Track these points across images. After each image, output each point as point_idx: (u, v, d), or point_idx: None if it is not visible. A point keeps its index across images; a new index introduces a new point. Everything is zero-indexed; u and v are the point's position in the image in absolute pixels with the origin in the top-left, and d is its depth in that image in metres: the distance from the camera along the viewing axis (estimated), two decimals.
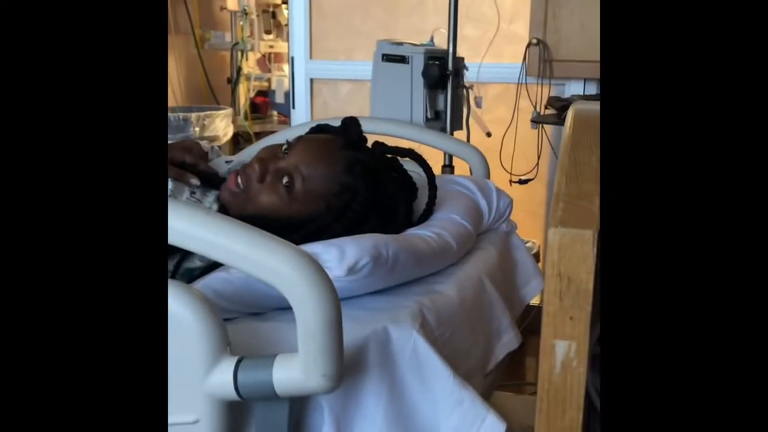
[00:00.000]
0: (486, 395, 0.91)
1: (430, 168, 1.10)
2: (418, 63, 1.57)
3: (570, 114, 1.05)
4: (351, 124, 1.01)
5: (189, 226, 0.66)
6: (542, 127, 2.23)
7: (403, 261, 0.83)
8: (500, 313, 0.98)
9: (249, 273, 0.66)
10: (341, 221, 0.90)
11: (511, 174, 2.22)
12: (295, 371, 0.66)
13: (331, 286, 0.65)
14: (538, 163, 2.27)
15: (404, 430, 0.75)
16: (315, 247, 0.80)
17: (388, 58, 1.64)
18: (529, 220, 2.38)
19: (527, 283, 1.16)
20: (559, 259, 0.69)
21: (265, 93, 3.86)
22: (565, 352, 0.69)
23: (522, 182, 2.15)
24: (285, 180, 0.93)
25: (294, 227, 0.89)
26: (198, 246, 0.67)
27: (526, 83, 2.20)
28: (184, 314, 0.67)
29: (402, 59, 1.61)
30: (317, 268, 0.65)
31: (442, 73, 1.56)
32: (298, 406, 0.72)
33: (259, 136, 3.42)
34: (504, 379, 1.61)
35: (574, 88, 2.28)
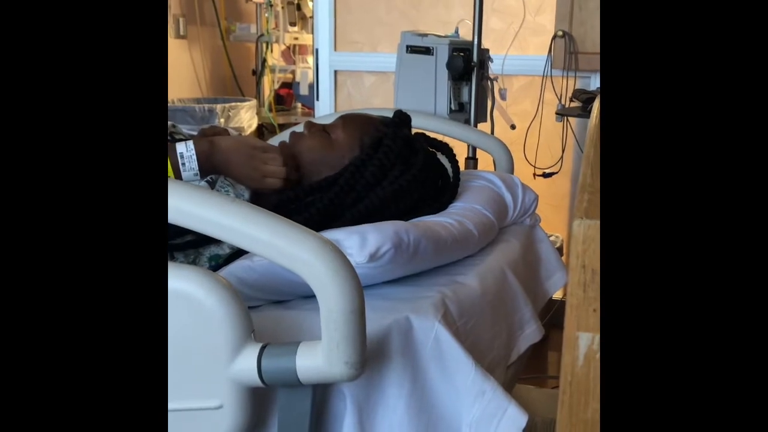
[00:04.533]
0: (508, 387, 0.91)
1: (457, 161, 1.11)
2: (443, 54, 1.57)
3: (596, 106, 1.04)
4: (397, 113, 1.11)
5: (214, 213, 0.67)
6: (567, 120, 2.21)
7: (424, 247, 0.83)
8: (522, 305, 0.97)
9: (272, 260, 0.67)
10: (370, 166, 0.96)
11: (535, 167, 2.20)
12: (318, 359, 0.66)
13: (354, 274, 0.65)
14: (562, 157, 2.24)
15: (426, 420, 0.75)
16: (337, 234, 0.81)
17: (412, 49, 1.63)
18: (552, 213, 2.37)
19: (551, 276, 1.15)
20: (584, 250, 0.68)
21: (290, 85, 3.87)
22: (588, 344, 0.69)
23: (546, 176, 2.13)
24: (325, 129, 1.06)
25: (331, 182, 0.98)
26: (223, 233, 0.68)
27: (551, 76, 2.18)
28: (208, 300, 0.68)
29: (426, 51, 1.60)
30: (339, 255, 0.65)
31: (467, 65, 1.55)
32: (321, 393, 0.73)
33: (283, 127, 3.44)
34: (526, 372, 1.61)
35: (599, 81, 2.25)
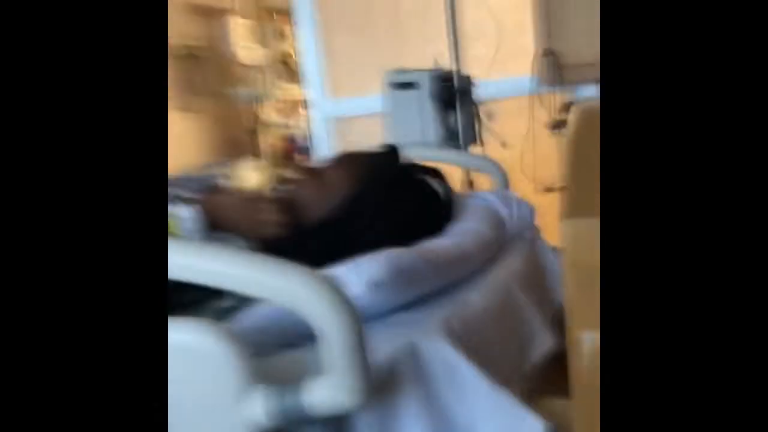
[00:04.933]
0: (526, 400, 0.90)
1: (448, 184, 1.13)
2: (426, 86, 1.60)
3: (573, 111, 1.06)
4: (386, 145, 1.14)
5: (208, 262, 0.68)
6: (562, 134, 2.22)
7: (422, 271, 0.84)
8: (531, 316, 0.97)
9: (270, 299, 0.68)
10: (366, 200, 0.98)
11: (535, 183, 2.21)
12: (323, 390, 0.66)
13: (351, 306, 0.66)
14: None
15: None
16: (335, 269, 0.82)
17: (397, 85, 1.67)
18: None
19: (558, 284, 1.14)
20: (575, 249, 0.69)
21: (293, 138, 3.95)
22: (592, 343, 0.68)
23: (549, 190, 2.14)
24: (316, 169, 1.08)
25: (327, 221, 0.99)
26: (219, 280, 0.69)
27: (539, 94, 2.20)
28: (208, 349, 0.68)
29: (410, 85, 1.64)
30: (334, 288, 0.66)
31: (451, 93, 1.58)
32: (336, 430, 0.73)
33: None
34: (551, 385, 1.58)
35: (587, 92, 2.27)
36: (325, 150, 2.74)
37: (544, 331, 0.96)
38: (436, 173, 1.13)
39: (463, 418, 0.75)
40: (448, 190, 1.12)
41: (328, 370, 0.66)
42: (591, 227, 0.68)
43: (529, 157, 2.26)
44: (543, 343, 0.95)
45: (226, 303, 0.97)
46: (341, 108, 2.70)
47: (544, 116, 2.24)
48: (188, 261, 0.68)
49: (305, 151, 3.72)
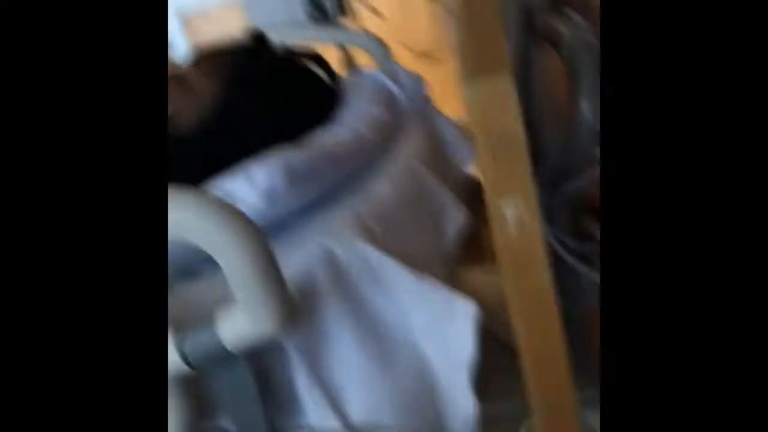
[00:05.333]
0: (449, 280, 0.87)
1: (330, 66, 1.02)
2: None
3: None
4: (252, 35, 1.00)
5: None
6: None
7: (321, 168, 0.76)
8: (439, 192, 0.92)
9: None
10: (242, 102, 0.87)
11: (409, 51, 2.11)
12: (240, 321, 0.59)
13: (251, 224, 0.57)
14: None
15: (378, 344, 0.70)
16: (224, 184, 0.72)
17: None
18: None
19: (457, 152, 1.10)
20: (482, 114, 0.63)
21: None
22: (515, 211, 0.65)
23: (424, 56, 2.06)
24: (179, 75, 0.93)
25: (203, 130, 0.88)
26: None
27: None
28: None
29: None
30: (229, 208, 0.57)
31: None
32: (259, 361, 0.66)
33: None
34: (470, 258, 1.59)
35: None
36: (179, 52, 2.50)
37: (455, 206, 0.92)
38: (313, 56, 1.02)
39: (394, 316, 0.71)
40: (331, 72, 1.02)
41: (242, 298, 0.58)
42: (498, 86, 0.62)
43: (397, 22, 2.15)
44: (455, 218, 0.91)
45: None
46: (189, 2, 2.44)
47: None
48: None
49: None
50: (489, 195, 0.64)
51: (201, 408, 0.67)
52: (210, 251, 0.57)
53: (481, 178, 0.63)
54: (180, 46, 2.49)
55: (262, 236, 0.58)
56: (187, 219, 0.56)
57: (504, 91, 0.61)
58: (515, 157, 0.63)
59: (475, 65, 0.63)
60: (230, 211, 0.57)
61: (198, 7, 2.46)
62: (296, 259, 0.68)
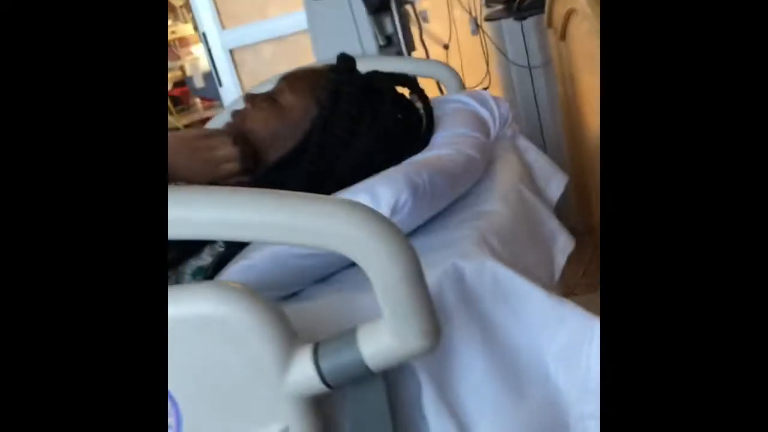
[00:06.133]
0: None
1: (421, 89, 1.01)
2: None
3: None
4: (341, 57, 0.96)
5: (212, 210, 0.54)
6: (482, 32, 2.13)
7: (440, 184, 0.73)
8: (546, 217, 0.89)
9: (300, 244, 0.55)
10: (338, 120, 0.85)
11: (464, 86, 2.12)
12: (386, 338, 0.55)
13: (400, 234, 0.54)
14: (488, 71, 2.17)
15: (508, 367, 0.66)
16: (347, 196, 0.70)
17: None
18: None
19: (549, 182, 1.07)
20: None
21: (182, 82, 3.63)
22: None
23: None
24: (271, 96, 0.93)
25: (300, 150, 0.86)
26: (228, 231, 0.55)
27: None
28: (234, 315, 0.55)
29: None
30: (376, 214, 0.54)
31: None
32: (391, 379, 0.63)
33: (190, 127, 3.23)
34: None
35: None
36: (231, 85, 2.52)
37: (562, 231, 0.89)
38: (406, 80, 1.00)
39: (525, 338, 0.67)
40: (423, 96, 1.00)
41: (388, 312, 0.55)
42: None
43: (453, 61, 2.16)
44: (564, 245, 0.88)
45: (203, 261, 0.84)
46: (241, 36, 2.47)
47: (462, 16, 2.13)
48: (182, 212, 0.54)
49: (206, 92, 3.43)
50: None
51: (327, 429, 0.63)
52: (360, 262, 0.54)
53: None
54: (231, 80, 2.52)
55: (413, 251, 0.55)
56: (337, 227, 0.53)
57: None
58: None
59: None
60: (384, 222, 0.54)
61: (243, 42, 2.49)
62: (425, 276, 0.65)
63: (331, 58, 1.34)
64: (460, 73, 1.35)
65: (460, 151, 0.85)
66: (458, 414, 0.64)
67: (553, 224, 0.89)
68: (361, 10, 1.44)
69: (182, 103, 3.62)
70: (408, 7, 1.51)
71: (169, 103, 3.44)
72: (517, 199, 0.85)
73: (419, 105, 0.99)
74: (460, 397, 0.64)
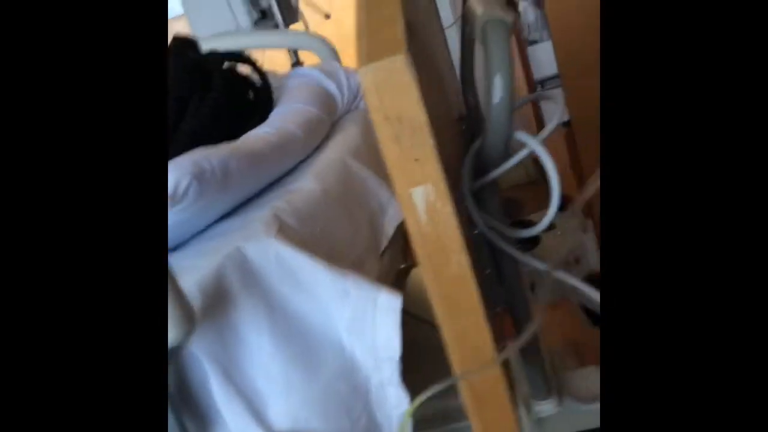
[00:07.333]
0: (388, 274, 0.84)
1: (260, 68, 1.00)
2: None
3: None
4: (174, 39, 0.96)
5: None
6: None
7: (235, 168, 0.73)
8: (377, 188, 0.89)
9: None
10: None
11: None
12: None
13: None
14: None
15: (298, 346, 0.67)
16: None
17: None
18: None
19: None
20: (380, 99, 0.60)
21: None
22: (424, 198, 0.62)
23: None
24: None
25: None
26: None
27: None
28: None
29: None
30: None
31: None
32: (173, 370, 0.64)
33: None
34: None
35: None
36: None
37: (394, 199, 0.89)
38: (242, 58, 0.99)
39: (315, 315, 0.68)
40: (261, 73, 0.99)
41: None
42: (394, 69, 0.59)
43: (349, 26, 2.12)
44: (394, 215, 0.88)
45: None
46: None
47: None
48: None
49: None
50: (396, 182, 0.61)
51: None
52: None
53: (386, 164, 0.61)
54: None
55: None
56: None
57: (400, 73, 0.59)
58: (420, 142, 0.61)
59: (370, 48, 0.60)
60: None
61: None
62: (206, 261, 0.66)
63: (205, 33, 1.32)
64: (343, 45, 1.33)
65: (280, 129, 0.85)
66: (248, 395, 0.65)
67: (385, 195, 0.89)
68: None
69: None
70: None
71: None
72: (338, 174, 0.85)
73: (256, 81, 0.98)
74: (249, 378, 0.65)
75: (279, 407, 0.66)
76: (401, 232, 0.90)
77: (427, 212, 0.62)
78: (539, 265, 0.76)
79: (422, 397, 0.60)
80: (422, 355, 0.75)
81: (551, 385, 0.84)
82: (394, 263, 0.87)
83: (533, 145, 0.69)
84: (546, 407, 0.81)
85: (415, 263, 1.01)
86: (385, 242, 0.86)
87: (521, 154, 0.71)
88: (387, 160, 0.61)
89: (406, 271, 1.24)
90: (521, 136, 0.70)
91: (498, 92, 0.67)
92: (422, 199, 0.61)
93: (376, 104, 0.59)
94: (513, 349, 0.66)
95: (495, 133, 0.70)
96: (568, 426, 0.79)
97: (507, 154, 0.75)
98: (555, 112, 0.86)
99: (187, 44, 0.95)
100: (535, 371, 0.85)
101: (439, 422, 0.88)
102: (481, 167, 0.76)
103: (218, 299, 0.65)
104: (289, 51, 1.51)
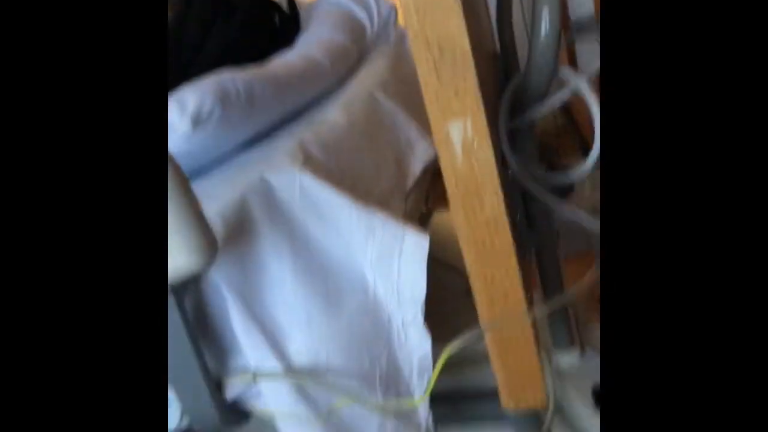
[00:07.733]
0: (412, 215, 0.82)
1: None
2: None
3: None
4: None
5: None
6: None
7: (260, 92, 0.70)
8: (405, 124, 0.86)
9: None
10: (188, 27, 0.81)
11: None
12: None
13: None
14: None
15: (321, 280, 0.65)
16: None
17: None
18: None
19: None
20: (421, 23, 0.56)
21: None
22: (461, 133, 0.58)
23: None
24: None
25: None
26: None
27: None
28: None
29: None
30: None
31: None
32: (194, 300, 0.62)
33: None
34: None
35: None
36: None
37: (423, 139, 0.86)
38: None
39: (337, 249, 0.66)
40: None
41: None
42: None
43: None
44: (423, 153, 0.85)
45: None
46: None
47: None
48: None
49: None
50: (432, 116, 0.57)
51: None
52: None
53: (423, 95, 0.57)
54: None
55: (177, 169, 0.53)
56: None
57: None
58: (461, 72, 0.57)
59: None
60: None
61: None
62: (230, 190, 0.63)
63: None
64: None
65: (305, 57, 0.81)
66: (268, 327, 0.64)
67: (414, 133, 0.86)
68: None
69: None
70: None
71: None
72: (366, 108, 0.81)
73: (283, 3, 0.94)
74: (269, 309, 0.64)
75: (299, 341, 0.64)
76: (425, 175, 0.87)
77: (464, 149, 0.58)
78: (574, 215, 0.73)
79: (457, 343, 0.58)
80: (441, 301, 0.73)
81: (574, 336, 0.82)
82: (417, 206, 0.85)
83: (578, 83, 0.65)
84: (568, 358, 0.79)
85: (433, 210, 0.99)
86: (411, 182, 0.82)
87: (565, 92, 0.67)
88: (424, 90, 0.57)
89: (426, 218, 1.21)
90: (566, 72, 0.66)
91: (545, 25, 0.62)
92: (459, 135, 0.58)
93: (416, 27, 0.55)
94: (545, 309, 0.64)
95: (539, 69, 0.66)
96: (589, 377, 0.77)
97: (547, 94, 0.71)
98: (595, 53, 0.81)
99: None
100: (558, 322, 0.83)
101: (456, 367, 0.86)
102: (518, 107, 0.72)
103: (241, 228, 0.62)
104: None
